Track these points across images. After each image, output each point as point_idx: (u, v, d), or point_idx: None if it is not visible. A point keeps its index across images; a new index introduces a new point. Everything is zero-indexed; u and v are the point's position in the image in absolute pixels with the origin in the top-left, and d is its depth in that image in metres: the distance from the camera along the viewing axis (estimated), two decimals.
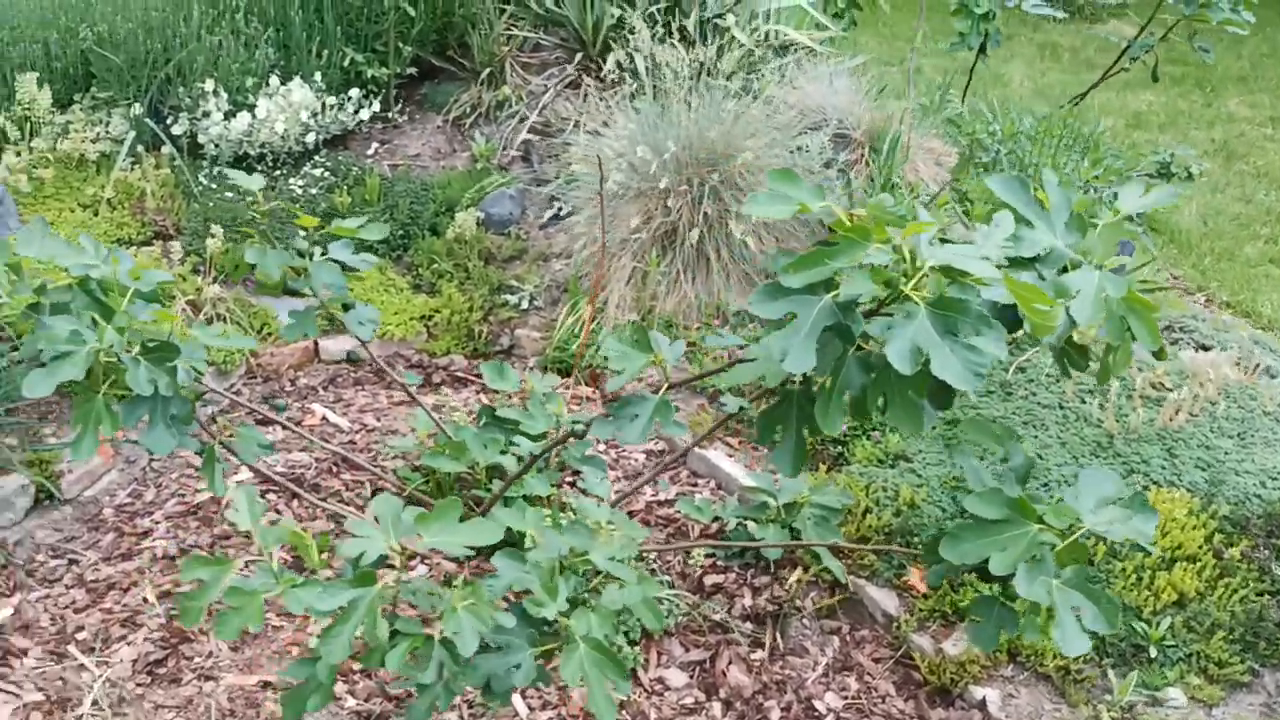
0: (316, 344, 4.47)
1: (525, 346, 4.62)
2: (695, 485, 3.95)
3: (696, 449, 4.03)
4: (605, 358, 4.33)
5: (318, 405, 4.23)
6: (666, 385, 2.67)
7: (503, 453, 3.54)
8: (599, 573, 2.49)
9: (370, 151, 5.17)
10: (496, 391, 4.48)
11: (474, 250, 4.76)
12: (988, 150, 5.22)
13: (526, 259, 4.90)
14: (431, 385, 4.46)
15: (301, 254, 3.06)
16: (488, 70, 5.36)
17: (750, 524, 3.54)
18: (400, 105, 5.44)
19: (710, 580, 3.51)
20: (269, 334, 4.33)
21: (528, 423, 3.53)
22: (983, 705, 3.06)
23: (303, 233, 3.05)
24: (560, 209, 5.01)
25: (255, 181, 2.99)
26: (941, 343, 2.07)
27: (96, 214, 4.36)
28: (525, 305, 4.68)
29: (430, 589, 2.16)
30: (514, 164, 5.30)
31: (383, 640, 2.00)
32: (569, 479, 3.84)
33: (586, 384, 4.45)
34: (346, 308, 3.21)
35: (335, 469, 3.86)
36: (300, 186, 4.76)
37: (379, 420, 4.21)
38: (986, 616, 2.57)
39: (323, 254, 3.09)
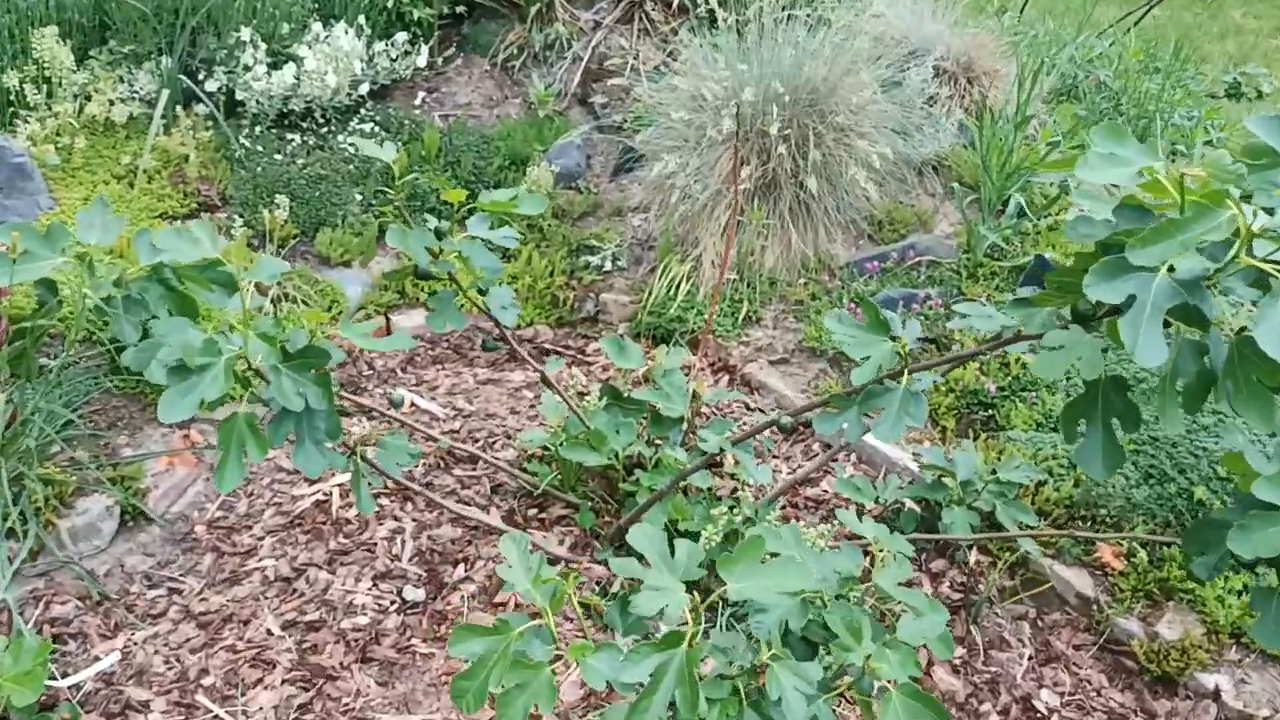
0: (389, 320, 4.07)
1: (612, 312, 4.26)
2: (835, 460, 3.64)
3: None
4: (718, 327, 4.00)
5: (402, 390, 3.85)
6: (907, 370, 2.34)
7: (649, 443, 3.22)
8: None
9: (417, 102, 4.71)
10: (589, 364, 4.14)
11: (548, 207, 4.36)
12: (1069, 78, 4.91)
13: (601, 215, 4.52)
14: (517, 360, 4.08)
15: (439, 233, 2.66)
16: (535, 7, 4.90)
17: (908, 503, 3.27)
18: (443, 50, 4.97)
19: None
20: (339, 311, 3.92)
21: (665, 404, 3.21)
22: (1216, 694, 2.83)
23: (426, 214, 2.64)
24: (629, 158, 4.61)
25: (387, 152, 2.58)
26: None
27: (133, 186, 3.89)
28: (608, 266, 4.31)
29: (740, 643, 1.83)
30: (571, 109, 4.88)
31: (703, 712, 1.68)
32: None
33: (684, 349, 4.11)
34: (482, 291, 2.83)
35: (444, 463, 3.49)
36: (351, 144, 4.31)
37: (471, 403, 3.84)
38: (1270, 609, 2.29)
39: (460, 229, 2.70)
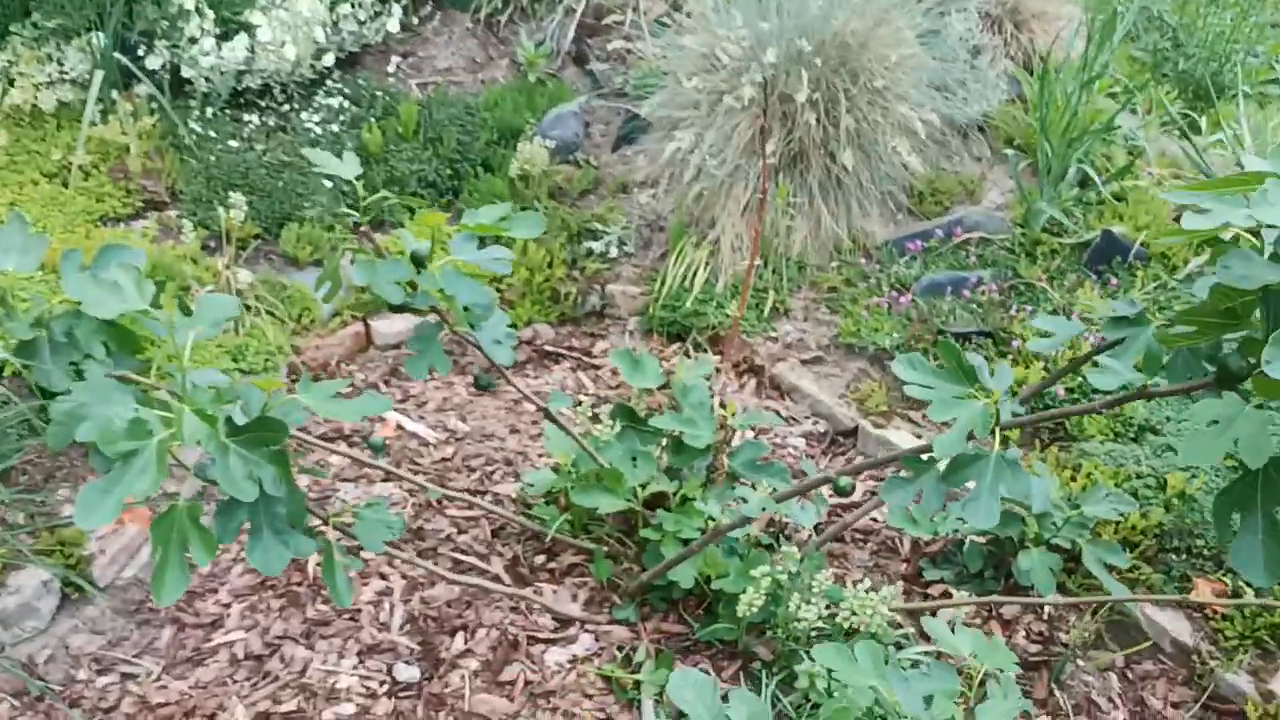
0: (368, 326, 3.61)
1: (620, 305, 3.80)
2: (881, 478, 3.20)
3: (873, 429, 3.28)
4: (745, 323, 3.54)
5: (385, 425, 3.40)
6: (998, 429, 1.88)
7: (670, 474, 2.78)
8: None
9: (391, 69, 4.19)
10: (596, 368, 3.69)
11: (542, 187, 3.88)
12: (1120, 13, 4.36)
13: (604, 192, 4.04)
14: (515, 366, 3.63)
15: (418, 260, 2.19)
16: None
17: (971, 537, 2.84)
18: (418, 8, 4.43)
19: (943, 610, 2.80)
20: (310, 320, 3.46)
21: (689, 431, 2.77)
22: None
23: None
24: (634, 127, 4.11)
25: (347, 167, 2.11)
26: None
27: (66, 185, 3.41)
28: (614, 253, 3.84)
29: None
30: (565, 69, 4.37)
31: None
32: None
33: (697, 349, 3.65)
34: (472, 325, 2.37)
35: (439, 501, 3.05)
36: (317, 123, 3.82)
37: (465, 421, 3.40)
38: None
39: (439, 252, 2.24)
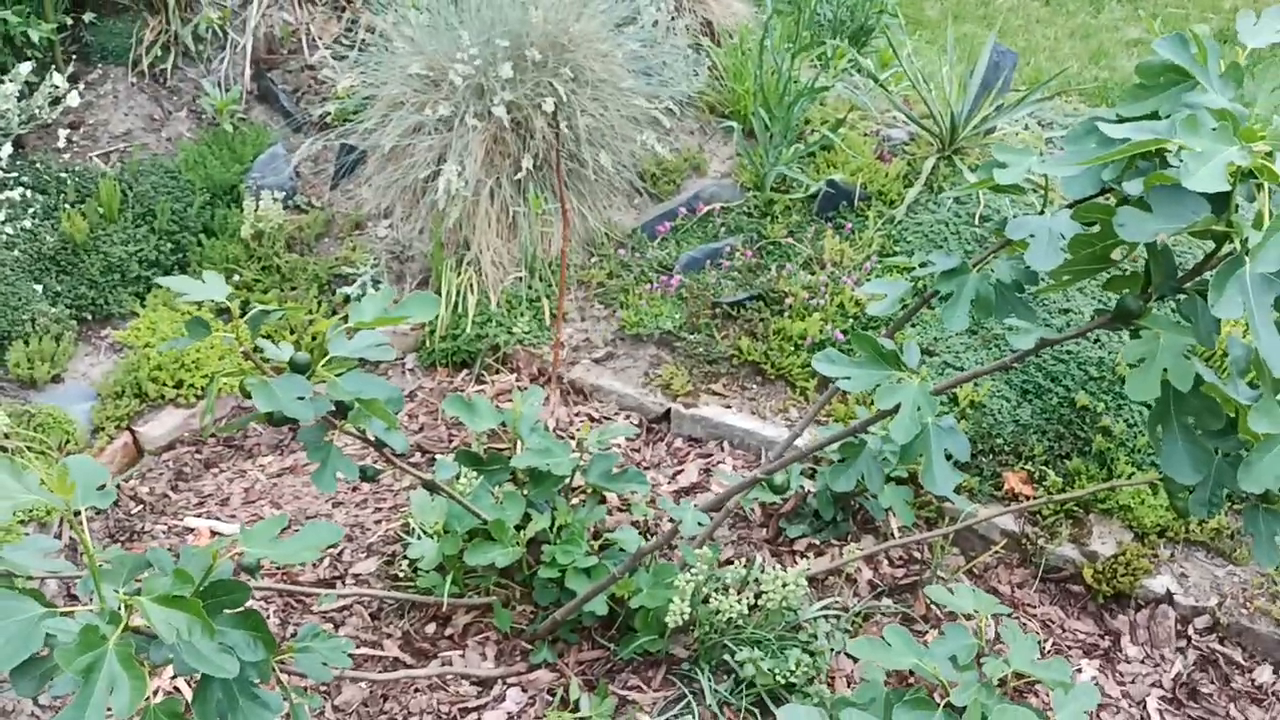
0: (135, 434, 3.25)
1: (394, 345, 3.65)
2: (708, 456, 3.36)
3: (686, 410, 3.43)
4: (525, 335, 3.54)
5: (192, 518, 3.11)
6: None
7: (536, 508, 2.78)
8: None
9: (61, 145, 3.71)
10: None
11: (278, 242, 3.64)
12: None
13: (339, 232, 3.85)
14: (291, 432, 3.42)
15: (301, 367, 2.05)
16: None
17: (810, 484, 3.08)
18: (68, 64, 3.92)
19: (818, 566, 3.01)
20: (76, 447, 3.08)
21: (552, 462, 2.78)
22: (1169, 597, 2.90)
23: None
24: (350, 158, 3.94)
25: (214, 289, 1.93)
26: None
27: None
28: (370, 293, 3.67)
29: None
30: (251, 110, 4.08)
31: None
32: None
33: (489, 372, 3.62)
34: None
35: (297, 603, 2.85)
36: (2, 222, 3.33)
37: (279, 506, 3.18)
38: (1261, 529, 2.31)
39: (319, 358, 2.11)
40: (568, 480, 2.90)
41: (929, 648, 1.89)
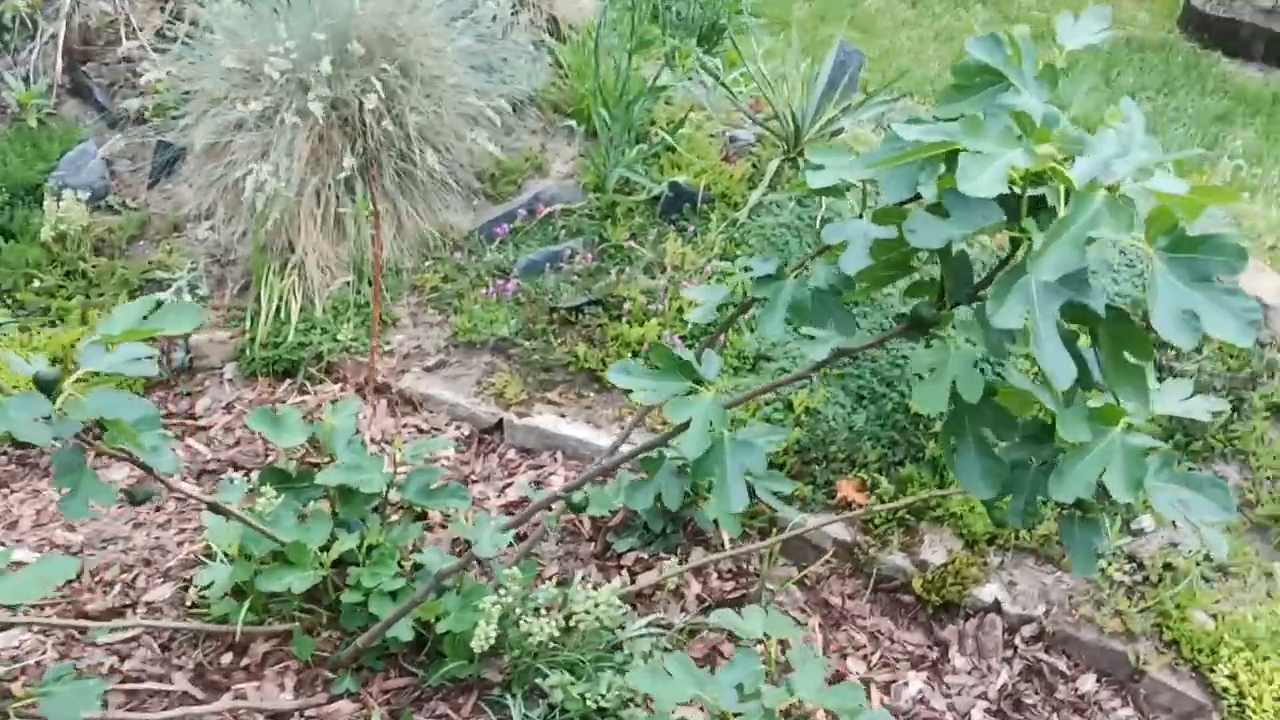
0: None
1: (210, 354, 3.47)
2: (540, 467, 3.23)
3: (519, 419, 3.29)
4: (353, 342, 3.37)
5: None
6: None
7: (346, 528, 2.63)
8: None
9: None
10: (204, 428, 3.35)
11: (84, 245, 3.41)
12: None
13: (155, 234, 3.63)
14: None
15: (46, 384, 1.86)
16: None
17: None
18: None
19: (642, 580, 2.91)
20: None
21: (361, 479, 2.63)
22: (996, 606, 2.86)
23: None
24: (169, 156, 3.71)
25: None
26: (1202, 296, 1.63)
27: None
28: (186, 299, 3.48)
29: None
30: (62, 105, 3.83)
31: None
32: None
33: (313, 382, 3.44)
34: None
35: (80, 634, 2.64)
36: None
37: (76, 530, 2.96)
38: (1076, 539, 2.26)
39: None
40: (383, 497, 2.75)
41: (717, 675, 1.78)
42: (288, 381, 3.44)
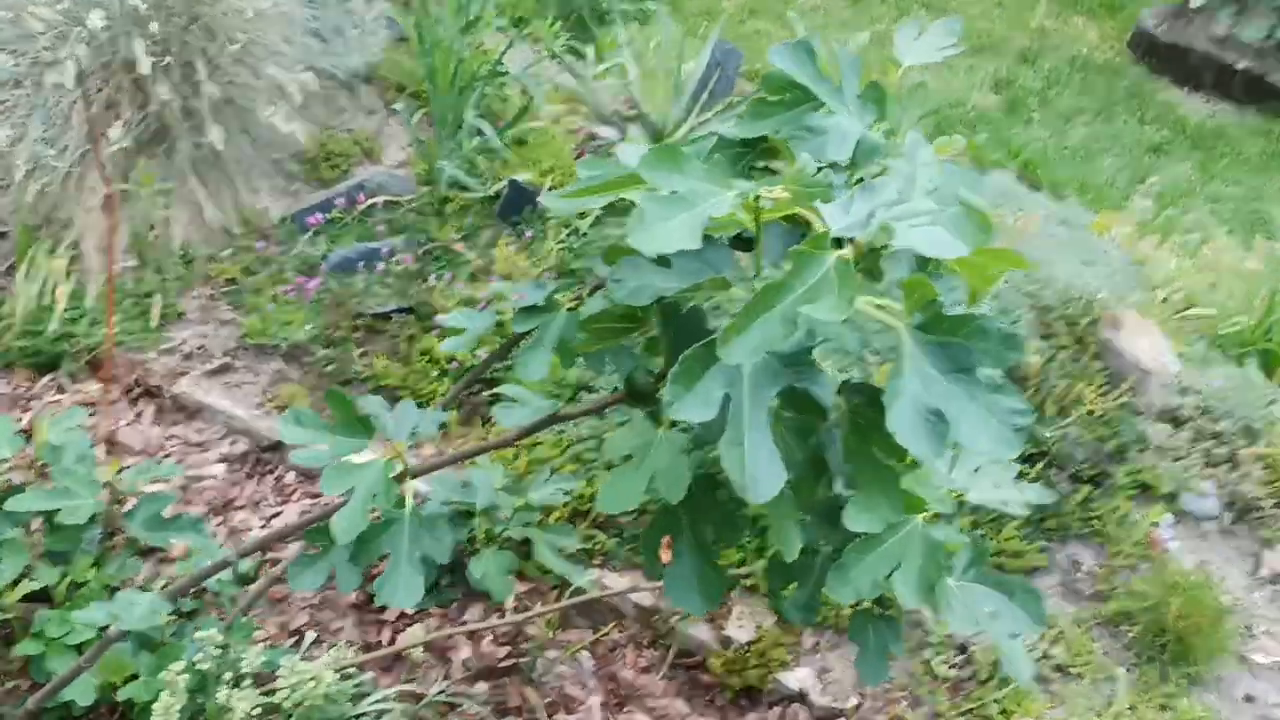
0: None
1: None
2: (318, 495, 2.88)
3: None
4: (127, 335, 3.00)
5: None
6: (409, 480, 1.63)
7: (55, 560, 2.28)
8: None
9: None
10: None
11: None
12: None
13: None
14: None
15: None
16: None
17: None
18: None
19: (403, 640, 2.57)
20: None
21: (65, 503, 2.28)
22: (802, 696, 2.54)
23: None
24: None
25: None
26: (960, 392, 1.31)
27: None
28: None
29: None
30: None
31: None
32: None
33: (75, 379, 3.07)
34: None
35: None
36: None
37: None
38: (868, 640, 1.94)
39: None
40: (100, 527, 2.39)
41: None
42: (48, 376, 3.06)
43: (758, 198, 1.34)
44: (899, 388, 1.27)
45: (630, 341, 1.70)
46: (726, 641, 2.61)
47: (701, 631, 2.63)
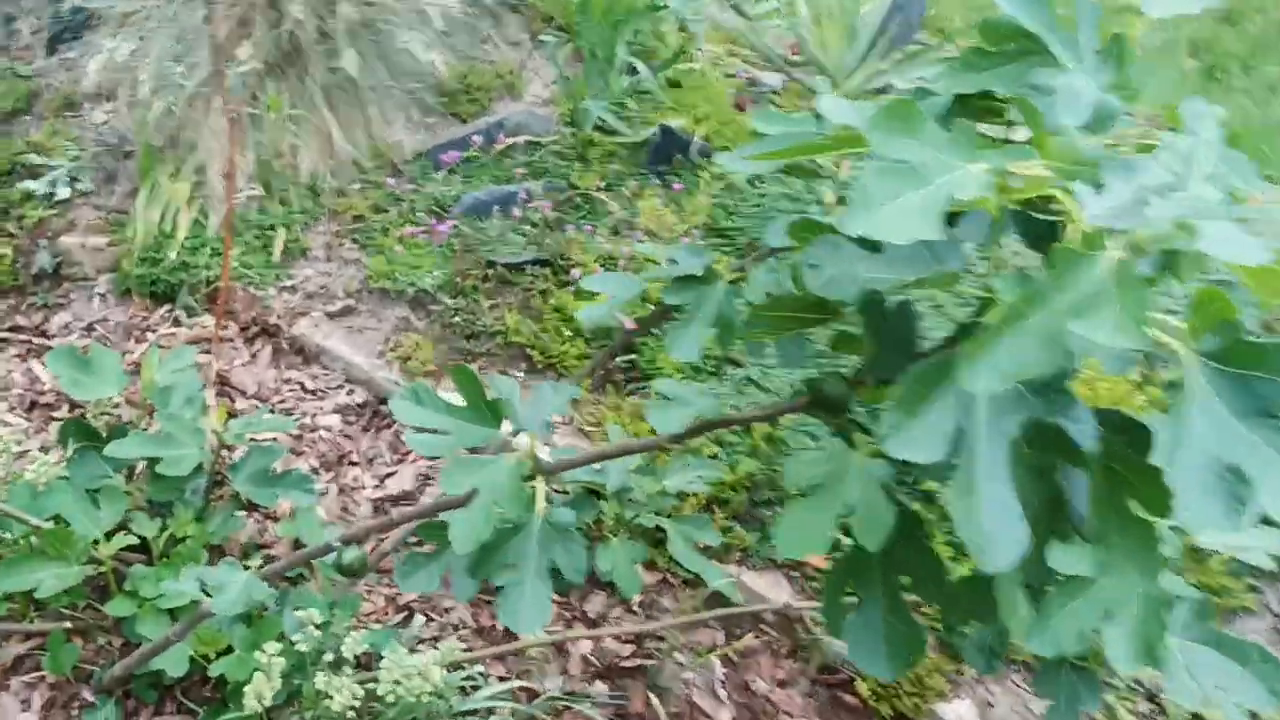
0: None
1: (83, 262, 2.96)
2: (438, 457, 2.68)
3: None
4: (246, 269, 2.85)
5: None
6: (542, 483, 1.39)
7: (155, 511, 2.14)
8: None
9: None
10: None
11: None
12: None
13: (44, 111, 3.12)
14: None
15: None
16: None
17: None
18: None
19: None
20: None
21: (169, 453, 2.13)
22: None
23: None
24: (77, 19, 3.19)
25: None
26: (1262, 442, 1.00)
27: None
28: (63, 193, 2.98)
29: None
30: None
31: None
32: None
33: (191, 313, 2.92)
34: None
35: None
36: None
37: None
38: (1060, 695, 1.63)
39: None
40: (208, 479, 2.25)
41: None
42: (166, 307, 2.93)
43: (1005, 174, 1.05)
44: (1182, 433, 0.97)
45: (810, 334, 1.44)
46: None
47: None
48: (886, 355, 1.24)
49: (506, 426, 1.42)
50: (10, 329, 2.83)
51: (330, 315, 2.90)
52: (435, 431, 1.41)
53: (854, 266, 1.18)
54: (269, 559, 2.33)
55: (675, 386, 1.41)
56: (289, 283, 2.94)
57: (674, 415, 1.34)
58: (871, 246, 1.18)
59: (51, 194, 2.96)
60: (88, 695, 2.10)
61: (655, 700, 2.30)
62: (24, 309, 2.88)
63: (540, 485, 1.39)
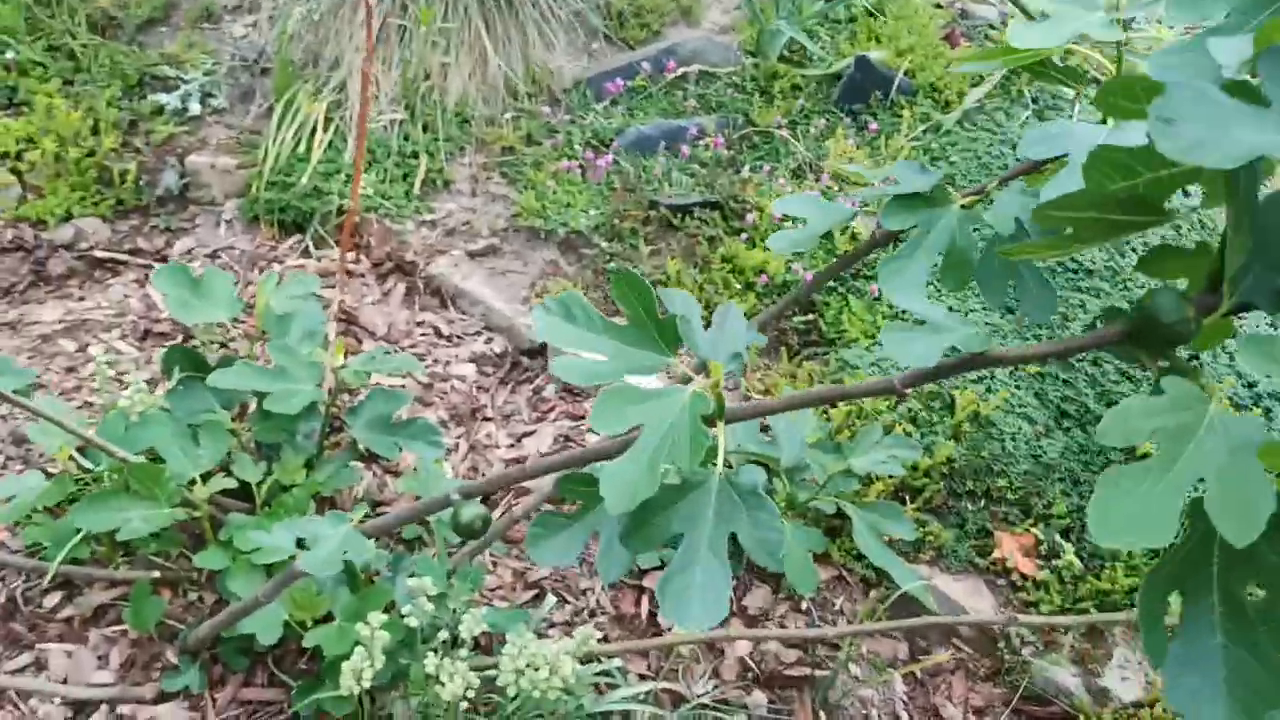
0: None
1: (212, 184, 2.74)
2: (582, 417, 2.37)
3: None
4: (383, 200, 2.58)
5: None
6: (723, 429, 1.04)
7: (263, 453, 1.89)
8: None
9: None
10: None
11: (80, 14, 2.72)
12: None
13: (181, 22, 2.91)
14: (48, 281, 2.53)
15: None
16: None
17: None
18: None
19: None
20: None
21: (280, 386, 1.85)
22: None
23: None
24: None
25: None
26: None
27: None
28: (196, 109, 2.76)
29: None
30: None
31: None
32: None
33: (320, 244, 2.66)
34: None
35: None
36: None
37: None
38: None
39: None
40: (323, 422, 1.98)
41: None
42: (296, 236, 2.68)
43: None
44: None
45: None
46: (1101, 695, 1.92)
47: (1064, 675, 1.95)
48: (1254, 267, 0.84)
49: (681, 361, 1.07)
50: (130, 250, 2.62)
51: (471, 255, 2.61)
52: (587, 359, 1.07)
53: (1231, 129, 0.79)
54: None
55: (925, 306, 1.04)
56: (428, 217, 2.65)
57: (920, 344, 0.96)
58: (1258, 99, 0.78)
59: (183, 109, 2.74)
60: (171, 656, 1.84)
61: (824, 717, 1.93)
62: (146, 231, 2.67)
63: (723, 432, 1.03)
